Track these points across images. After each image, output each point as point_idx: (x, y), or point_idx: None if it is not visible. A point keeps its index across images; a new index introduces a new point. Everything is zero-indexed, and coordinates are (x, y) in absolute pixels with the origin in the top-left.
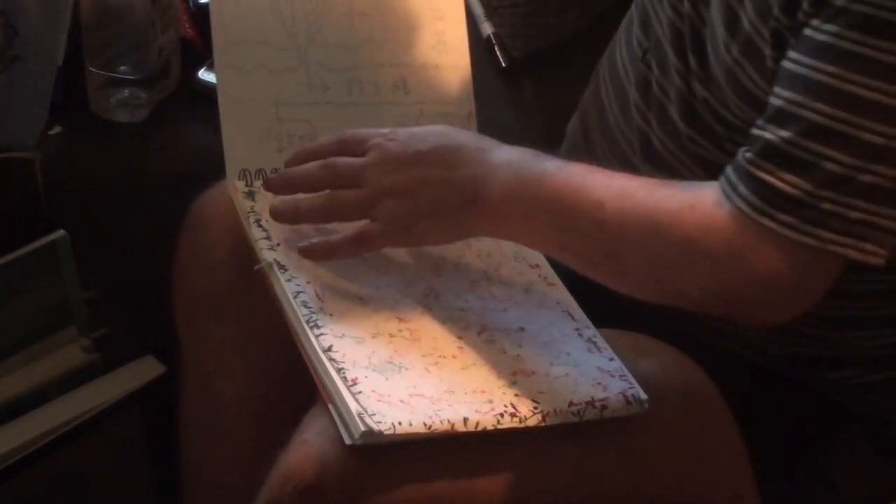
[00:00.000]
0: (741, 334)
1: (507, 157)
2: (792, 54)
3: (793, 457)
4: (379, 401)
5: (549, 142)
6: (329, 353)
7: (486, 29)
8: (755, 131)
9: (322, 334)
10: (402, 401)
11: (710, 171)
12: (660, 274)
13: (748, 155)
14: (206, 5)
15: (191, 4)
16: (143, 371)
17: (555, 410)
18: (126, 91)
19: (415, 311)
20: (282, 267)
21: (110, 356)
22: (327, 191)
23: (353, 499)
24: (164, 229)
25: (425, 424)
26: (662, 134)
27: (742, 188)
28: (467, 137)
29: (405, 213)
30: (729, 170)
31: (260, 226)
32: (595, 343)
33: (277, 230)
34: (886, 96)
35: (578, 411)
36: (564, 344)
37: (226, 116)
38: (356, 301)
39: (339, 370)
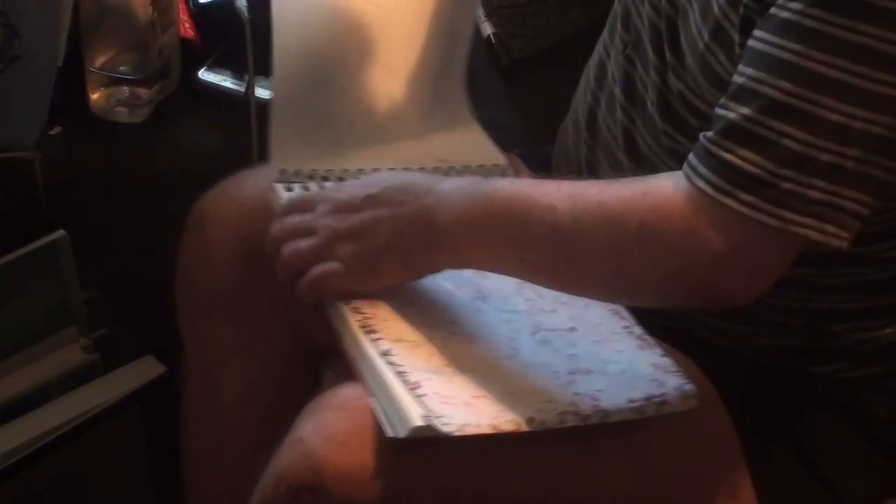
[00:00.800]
0: (727, 329)
1: (457, 184)
2: (757, 32)
3: (788, 454)
4: (444, 403)
5: (549, 142)
6: (388, 356)
7: (486, 29)
8: (718, 111)
9: (378, 339)
10: (465, 402)
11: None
12: (616, 267)
13: (709, 135)
14: (206, 5)
15: (191, 4)
16: (143, 371)
17: (615, 409)
18: (126, 91)
19: (465, 313)
20: None
21: (110, 356)
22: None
23: (349, 497)
24: (164, 229)
25: (492, 425)
26: (643, 129)
27: (702, 168)
28: (415, 175)
29: (363, 253)
30: (690, 155)
31: None
32: (645, 340)
33: None
34: (848, 74)
35: (638, 408)
36: (616, 342)
37: (277, 116)
38: (407, 305)
39: (400, 373)
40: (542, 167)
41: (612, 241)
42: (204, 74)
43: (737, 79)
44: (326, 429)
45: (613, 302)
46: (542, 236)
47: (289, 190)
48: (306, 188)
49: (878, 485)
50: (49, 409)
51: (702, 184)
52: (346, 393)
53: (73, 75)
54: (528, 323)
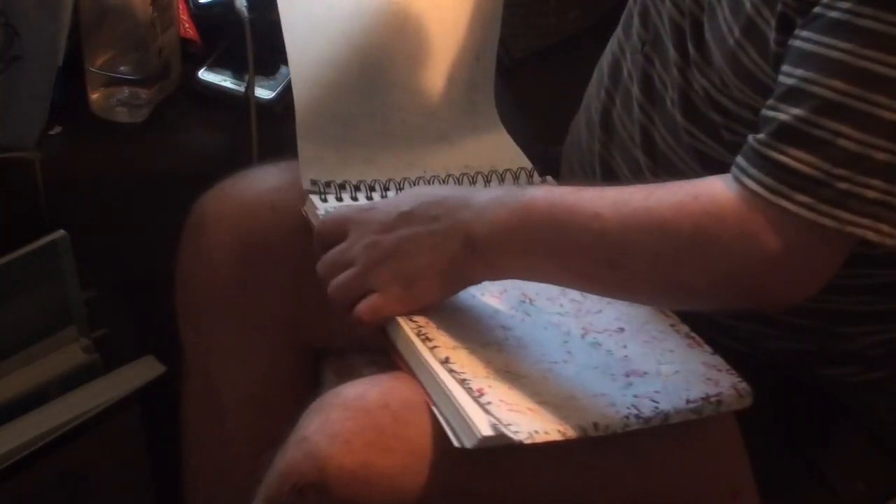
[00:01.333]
0: (736, 329)
1: (491, 195)
2: (803, 33)
3: (790, 454)
4: (510, 411)
5: (549, 142)
6: (447, 364)
7: None
8: (767, 113)
9: (436, 346)
10: (529, 409)
11: (705, 164)
12: (667, 271)
13: (760, 137)
14: (206, 5)
15: (191, 4)
16: (143, 371)
17: (675, 410)
18: (126, 91)
19: (514, 318)
20: None
21: (110, 356)
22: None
23: (354, 497)
24: (164, 229)
25: (559, 431)
26: (662, 127)
27: (754, 171)
28: (447, 189)
29: (402, 276)
30: (738, 157)
31: None
32: (693, 338)
33: None
34: None
35: (697, 408)
36: (665, 341)
37: (302, 129)
38: (457, 313)
39: (462, 381)
40: (543, 167)
41: (664, 247)
42: (204, 74)
43: (785, 80)
44: (331, 428)
45: (657, 305)
46: (586, 244)
47: (324, 200)
48: (339, 199)
49: (878, 486)
50: (49, 409)
51: (755, 186)
52: (350, 392)
53: (73, 75)
54: (577, 325)
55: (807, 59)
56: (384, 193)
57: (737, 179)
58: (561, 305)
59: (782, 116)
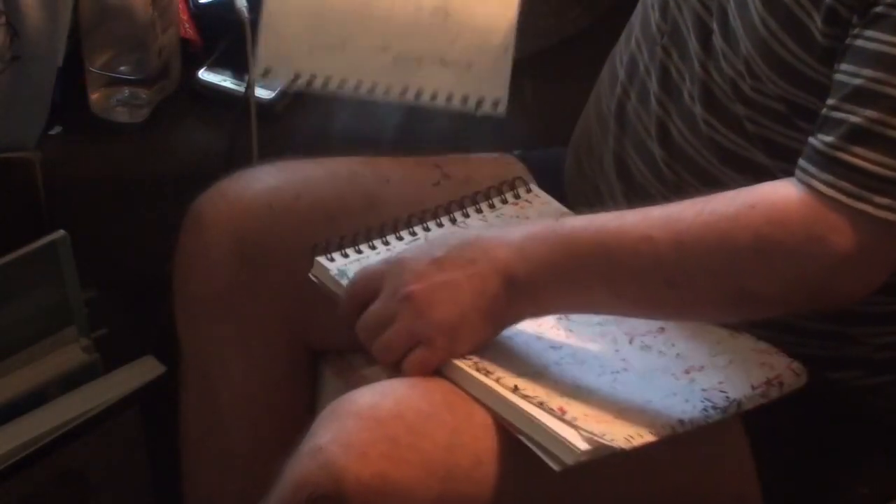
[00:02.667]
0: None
1: (526, 232)
2: (867, 32)
3: (794, 459)
4: (598, 422)
5: (549, 142)
6: (518, 392)
7: None
8: (833, 114)
9: (500, 378)
10: (614, 418)
11: (723, 157)
12: (731, 284)
13: (828, 140)
14: (206, 5)
15: (191, 4)
16: (143, 371)
17: (745, 397)
18: (126, 91)
19: (559, 336)
20: None
21: (110, 356)
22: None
23: None
24: (164, 229)
25: (651, 433)
26: (679, 119)
27: (825, 175)
28: (475, 231)
29: (446, 326)
30: (802, 161)
31: None
32: (734, 328)
33: None
34: None
35: (764, 392)
36: (708, 335)
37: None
38: (504, 343)
39: (539, 404)
40: (543, 167)
41: (726, 261)
42: (204, 74)
43: (849, 79)
44: (346, 438)
45: (723, 320)
46: (640, 269)
47: (331, 260)
48: (345, 255)
49: (880, 489)
50: (49, 409)
51: (828, 189)
52: (365, 400)
53: (73, 75)
54: (621, 331)
55: (875, 59)
56: (386, 240)
57: (804, 183)
58: (597, 316)
59: (853, 118)
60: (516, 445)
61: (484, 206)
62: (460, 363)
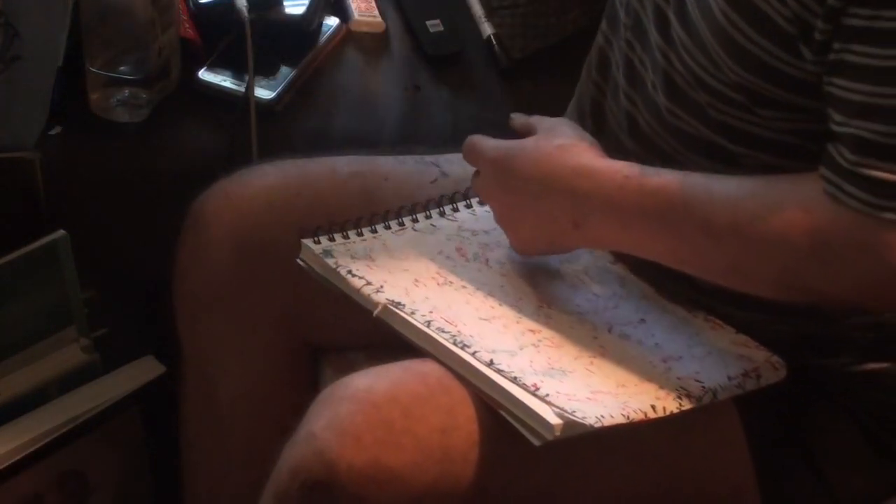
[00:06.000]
0: (732, 317)
1: (597, 184)
2: (855, 47)
3: (788, 449)
4: (570, 400)
5: None
6: (493, 366)
7: (486, 29)
8: (842, 129)
9: (476, 352)
10: (588, 398)
11: (689, 145)
12: (790, 278)
13: (848, 155)
14: (206, 5)
15: (191, 4)
16: (143, 371)
17: (720, 387)
18: (126, 91)
19: (539, 322)
20: (397, 304)
21: (110, 356)
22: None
23: (363, 495)
24: (164, 229)
25: (623, 415)
26: (646, 111)
27: (851, 188)
28: (560, 157)
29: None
30: (827, 172)
31: (354, 276)
32: (713, 320)
33: (372, 274)
34: None
35: (739, 384)
36: (688, 326)
37: None
38: (483, 322)
39: (513, 379)
40: None
41: (783, 258)
42: (204, 74)
43: (850, 95)
44: (340, 424)
45: (778, 299)
46: (703, 250)
47: (317, 242)
48: (332, 239)
49: (876, 484)
50: (49, 409)
51: (857, 205)
52: (359, 384)
53: (73, 75)
54: (601, 321)
55: (875, 73)
56: (373, 228)
57: (835, 198)
58: (577, 305)
59: (865, 134)
60: (511, 426)
61: (475, 201)
62: (437, 336)
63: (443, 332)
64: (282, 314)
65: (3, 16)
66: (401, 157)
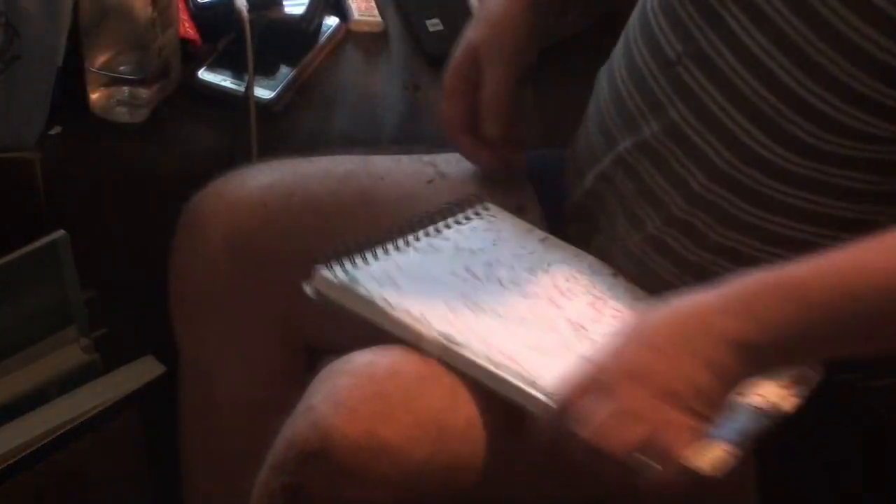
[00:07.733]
0: None
1: (745, 290)
2: None
3: (787, 450)
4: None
5: (548, 142)
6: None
7: None
8: None
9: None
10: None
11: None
12: None
13: None
14: (206, 5)
15: (191, 4)
16: (143, 371)
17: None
18: (126, 91)
19: (585, 345)
20: (451, 340)
21: (110, 356)
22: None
23: (357, 466)
24: (163, 229)
25: None
26: (719, 143)
27: None
28: (687, 306)
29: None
30: None
31: (394, 307)
32: None
33: (408, 302)
34: None
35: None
36: None
37: None
38: (533, 351)
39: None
40: (541, 167)
41: None
42: (204, 74)
43: None
44: (337, 396)
45: None
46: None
47: (329, 268)
48: (352, 263)
49: (882, 494)
50: (49, 409)
51: None
52: (361, 359)
53: (73, 75)
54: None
55: None
56: (385, 248)
57: None
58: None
59: None
60: (511, 406)
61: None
62: (507, 376)
63: (508, 368)
64: (278, 314)
65: (3, 16)
66: (397, 157)
